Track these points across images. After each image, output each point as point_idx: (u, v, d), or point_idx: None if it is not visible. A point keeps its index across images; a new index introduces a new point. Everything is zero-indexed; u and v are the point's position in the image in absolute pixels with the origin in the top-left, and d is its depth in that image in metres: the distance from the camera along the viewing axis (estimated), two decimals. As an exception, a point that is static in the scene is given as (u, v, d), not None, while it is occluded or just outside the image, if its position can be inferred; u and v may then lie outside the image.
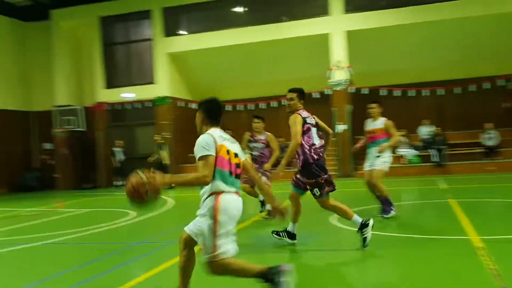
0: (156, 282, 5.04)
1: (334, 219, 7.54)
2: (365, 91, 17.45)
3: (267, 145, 8.53)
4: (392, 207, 7.73)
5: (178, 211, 9.83)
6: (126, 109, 18.88)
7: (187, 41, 18.51)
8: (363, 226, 5.67)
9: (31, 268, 6.04)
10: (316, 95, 17.45)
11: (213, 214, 3.68)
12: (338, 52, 17.26)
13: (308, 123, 5.84)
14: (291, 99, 5.97)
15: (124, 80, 19.20)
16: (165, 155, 16.65)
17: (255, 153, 8.51)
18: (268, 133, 8.63)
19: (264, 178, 8.06)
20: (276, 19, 17.87)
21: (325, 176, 5.75)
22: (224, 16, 18.51)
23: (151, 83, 18.67)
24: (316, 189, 5.74)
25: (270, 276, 3.66)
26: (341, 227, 7.08)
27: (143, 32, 19.02)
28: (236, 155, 3.88)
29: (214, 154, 3.70)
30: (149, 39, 18.77)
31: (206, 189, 3.76)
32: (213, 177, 3.70)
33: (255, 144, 8.58)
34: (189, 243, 3.94)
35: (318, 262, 5.56)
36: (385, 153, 7.78)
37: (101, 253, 6.58)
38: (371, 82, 17.83)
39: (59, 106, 19.20)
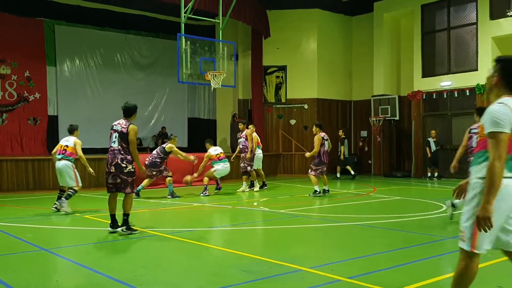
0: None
1: None
2: None
3: None
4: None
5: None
6: (442, 98, 18.18)
7: (517, 22, 16.47)
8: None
9: (340, 245, 6.44)
10: None
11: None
12: None
13: None
14: None
15: (441, 68, 18.49)
16: (344, 150, 17.86)
17: None
18: None
19: None
20: None
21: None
22: None
23: (473, 70, 17.39)
24: None
25: None
26: None
27: (466, 17, 17.80)
28: None
29: (508, 132, 3.00)
30: (473, 23, 17.48)
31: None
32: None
33: None
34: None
35: None
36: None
37: (409, 242, 6.52)
38: None
39: (376, 96, 19.95)
